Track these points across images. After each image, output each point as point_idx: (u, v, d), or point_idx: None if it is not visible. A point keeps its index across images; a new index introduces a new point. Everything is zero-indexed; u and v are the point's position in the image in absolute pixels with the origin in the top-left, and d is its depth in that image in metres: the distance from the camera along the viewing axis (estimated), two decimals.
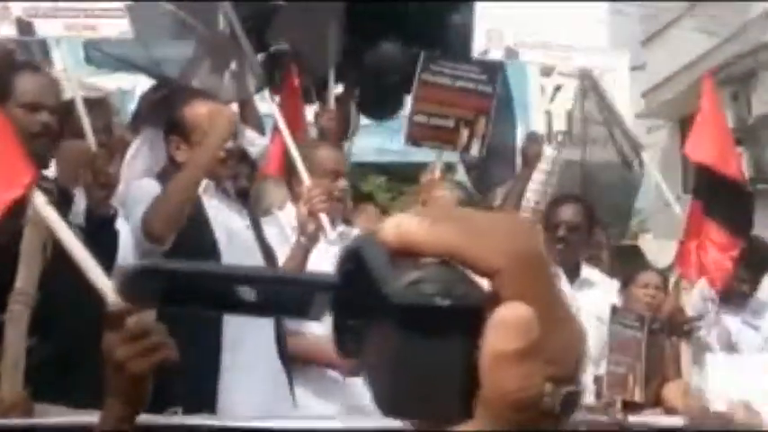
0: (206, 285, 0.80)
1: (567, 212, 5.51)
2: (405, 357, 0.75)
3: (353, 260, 0.78)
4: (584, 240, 5.61)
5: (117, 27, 4.84)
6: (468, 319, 0.75)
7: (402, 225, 0.76)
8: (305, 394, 4.58)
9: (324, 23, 6.53)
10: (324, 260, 4.47)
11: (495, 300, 0.74)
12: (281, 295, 0.81)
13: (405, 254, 0.76)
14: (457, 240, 0.74)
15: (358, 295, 0.77)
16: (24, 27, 4.57)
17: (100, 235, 3.82)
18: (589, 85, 6.37)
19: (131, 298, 0.81)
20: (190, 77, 5.63)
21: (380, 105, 7.51)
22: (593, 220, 5.68)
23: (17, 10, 4.56)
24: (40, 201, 3.09)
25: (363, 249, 0.78)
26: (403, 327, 0.75)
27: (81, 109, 4.23)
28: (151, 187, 4.29)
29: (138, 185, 4.39)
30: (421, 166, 7.21)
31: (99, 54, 5.69)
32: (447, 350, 0.75)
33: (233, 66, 5.83)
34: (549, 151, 6.31)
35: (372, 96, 7.29)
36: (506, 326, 0.73)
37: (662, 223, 6.82)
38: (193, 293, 0.79)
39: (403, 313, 0.75)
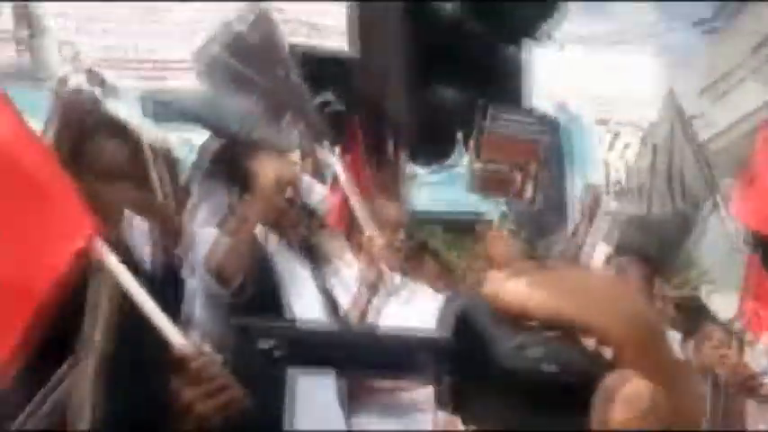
0: (312, 345, 0.80)
1: (628, 266, 5.48)
2: (512, 420, 0.75)
3: (460, 318, 0.78)
4: (646, 293, 5.57)
5: (186, 79, 4.90)
6: (576, 384, 0.74)
7: (510, 287, 0.75)
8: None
9: (394, 79, 6.58)
10: (386, 311, 4.48)
11: (607, 366, 0.73)
12: (383, 352, 0.81)
13: (512, 315, 0.75)
14: (567, 306, 0.73)
15: (463, 354, 0.77)
16: (95, 78, 4.64)
17: (167, 284, 3.86)
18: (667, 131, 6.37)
19: (240, 352, 0.81)
20: (250, 129, 5.67)
21: (433, 150, 7.54)
22: (654, 273, 5.64)
23: (88, 61, 4.65)
24: (103, 251, 3.11)
25: (471, 309, 0.77)
26: (511, 390, 0.75)
27: (150, 162, 4.27)
28: (213, 238, 4.33)
29: (201, 235, 4.43)
30: (479, 217, 7.21)
31: (157, 105, 5.74)
32: (555, 415, 0.74)
33: (293, 117, 5.87)
34: (608, 203, 6.30)
35: (425, 142, 7.33)
36: (625, 402, 0.71)
37: (725, 275, 6.78)
38: (299, 352, 0.80)
39: (511, 377, 0.74)
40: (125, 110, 5.01)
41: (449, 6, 11.19)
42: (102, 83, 4.69)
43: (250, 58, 5.71)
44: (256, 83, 5.74)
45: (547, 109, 6.31)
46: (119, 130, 4.05)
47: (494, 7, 12.27)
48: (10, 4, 4.80)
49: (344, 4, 6.52)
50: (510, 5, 12.47)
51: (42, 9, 4.82)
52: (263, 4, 5.79)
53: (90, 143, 3.86)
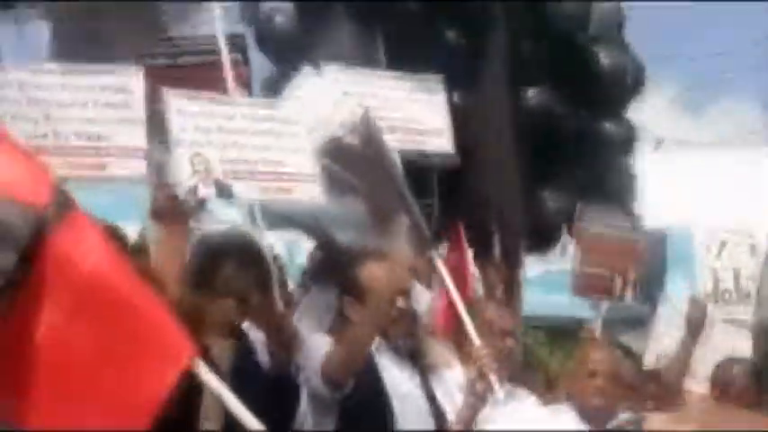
0: None
1: (735, 374, 5.42)
2: None
3: None
4: (755, 402, 5.48)
5: (310, 191, 5.00)
6: None
7: None
8: None
9: (499, 179, 6.64)
10: (490, 419, 4.47)
11: None
12: None
13: None
14: None
15: None
16: (222, 189, 4.77)
17: (284, 390, 3.92)
18: None
19: None
20: (356, 236, 5.72)
21: (538, 252, 7.55)
22: (762, 382, 5.56)
23: (217, 173, 4.78)
24: (204, 373, 3.15)
25: None
26: None
27: (273, 269, 4.33)
28: (324, 344, 4.37)
29: (312, 341, 4.46)
30: (580, 321, 7.18)
31: (270, 214, 5.81)
32: None
33: (398, 222, 5.91)
34: (715, 311, 6.23)
35: (531, 243, 7.36)
36: None
37: None
38: None
39: None
40: (241, 218, 5.13)
41: (537, 93, 11.27)
42: (229, 193, 4.81)
43: (353, 163, 5.78)
44: (360, 188, 5.81)
45: (651, 213, 6.30)
46: (245, 251, 4.14)
47: (581, 89, 12.36)
48: (141, 120, 4.97)
49: (444, 104, 6.60)
50: (594, 85, 12.55)
51: (175, 121, 4.97)
52: (365, 111, 5.88)
53: (216, 265, 3.95)
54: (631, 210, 6.51)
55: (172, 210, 4.35)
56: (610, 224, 6.36)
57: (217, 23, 6.28)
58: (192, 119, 5.01)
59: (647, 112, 13.67)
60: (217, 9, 6.30)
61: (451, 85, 6.66)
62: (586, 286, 6.32)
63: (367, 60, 7.14)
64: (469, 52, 9.57)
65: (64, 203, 2.74)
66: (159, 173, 4.81)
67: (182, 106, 5.03)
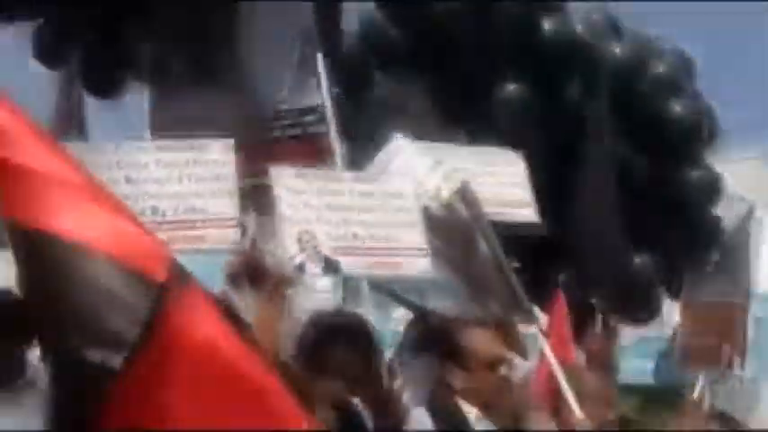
0: None
1: None
2: None
3: None
4: None
5: (419, 266, 5.04)
6: None
7: None
8: None
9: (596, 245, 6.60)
10: None
11: None
12: None
13: None
14: None
15: None
16: (330, 265, 4.85)
17: None
18: None
19: None
20: (455, 305, 5.72)
21: (635, 317, 7.49)
22: None
23: (325, 249, 4.85)
24: None
25: None
26: None
27: (375, 355, 4.34)
28: (424, 419, 4.37)
29: (416, 416, 4.46)
30: (676, 389, 7.09)
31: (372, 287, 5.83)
32: None
33: (494, 290, 5.92)
34: None
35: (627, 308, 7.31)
36: None
37: None
38: None
39: None
40: (335, 287, 5.18)
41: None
42: (336, 269, 4.86)
43: (445, 233, 5.81)
44: (456, 259, 5.83)
45: (756, 278, 6.23)
46: (356, 333, 4.19)
47: (654, 138, 12.25)
48: (233, 191, 5.07)
49: (526, 175, 6.64)
50: (667, 133, 12.43)
51: (283, 198, 5.05)
52: (462, 182, 5.91)
53: (327, 347, 4.01)
54: (734, 274, 6.41)
55: (246, 276, 4.39)
56: (715, 291, 6.28)
57: (325, 97, 6.38)
58: (299, 195, 5.08)
59: (738, 174, 13.53)
60: (324, 86, 6.41)
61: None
62: (695, 359, 6.24)
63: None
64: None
65: (182, 276, 2.80)
66: (252, 242, 4.88)
67: (289, 182, 5.11)
